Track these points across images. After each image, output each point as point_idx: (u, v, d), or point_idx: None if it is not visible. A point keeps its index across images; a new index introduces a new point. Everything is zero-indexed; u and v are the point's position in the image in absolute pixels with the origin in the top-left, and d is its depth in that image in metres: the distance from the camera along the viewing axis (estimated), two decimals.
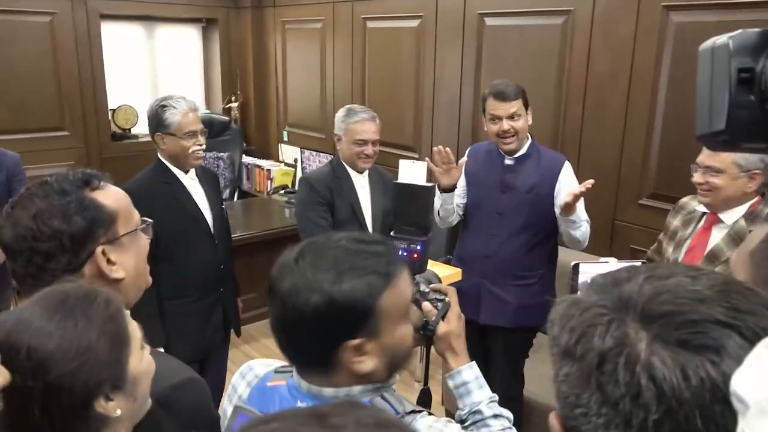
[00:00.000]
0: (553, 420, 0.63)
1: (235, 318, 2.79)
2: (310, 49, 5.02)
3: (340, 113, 2.83)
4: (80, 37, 4.71)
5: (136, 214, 1.20)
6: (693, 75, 2.61)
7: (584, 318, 0.58)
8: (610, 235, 3.22)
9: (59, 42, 4.60)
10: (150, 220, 1.22)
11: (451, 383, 1.24)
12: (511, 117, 2.47)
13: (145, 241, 1.21)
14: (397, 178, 2.04)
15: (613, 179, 3.16)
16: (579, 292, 0.65)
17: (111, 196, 1.16)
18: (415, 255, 1.66)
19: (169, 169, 2.45)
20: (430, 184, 1.80)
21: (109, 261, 1.11)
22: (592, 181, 2.29)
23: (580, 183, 2.61)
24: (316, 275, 0.96)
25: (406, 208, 1.76)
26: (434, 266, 2.91)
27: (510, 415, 1.23)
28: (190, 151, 2.41)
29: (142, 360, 0.95)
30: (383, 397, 1.02)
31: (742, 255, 0.99)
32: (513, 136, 2.49)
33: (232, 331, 2.80)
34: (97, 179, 1.16)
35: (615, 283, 0.60)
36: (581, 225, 2.51)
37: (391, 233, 1.76)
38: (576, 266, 1.44)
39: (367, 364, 0.98)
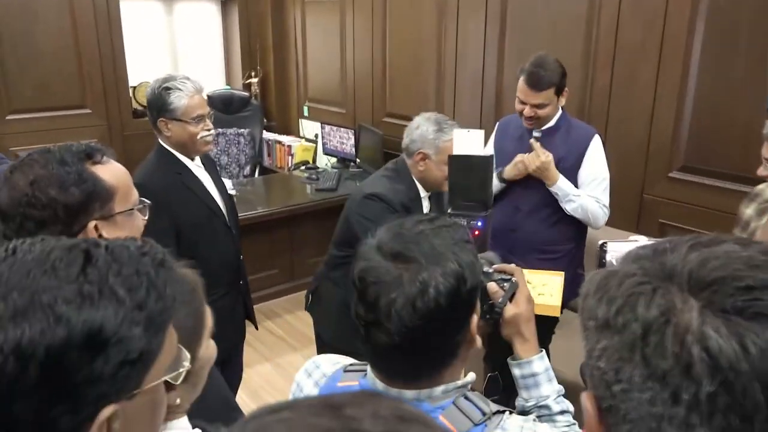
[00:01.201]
0: (586, 401, 0.58)
1: (252, 311, 2.64)
2: (329, 23, 4.94)
3: (429, 127, 2.39)
4: (99, 14, 4.68)
5: (135, 194, 1.18)
6: (728, 44, 2.52)
7: (624, 288, 0.53)
8: (638, 209, 3.13)
9: (79, 18, 4.58)
10: (148, 202, 1.21)
11: (517, 372, 1.17)
12: (536, 105, 2.40)
13: (140, 221, 1.19)
14: None
15: (641, 152, 3.06)
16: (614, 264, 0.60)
17: (112, 171, 1.14)
18: (477, 232, 1.53)
19: (177, 158, 2.21)
20: (488, 154, 1.66)
21: (100, 236, 1.09)
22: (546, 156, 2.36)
23: (607, 157, 2.55)
24: (434, 261, 0.91)
25: (464, 181, 1.59)
26: None
27: (572, 408, 1.17)
28: (198, 137, 2.18)
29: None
30: (467, 397, 0.97)
31: None
32: (535, 120, 2.44)
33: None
34: (100, 153, 1.14)
35: (657, 254, 0.55)
36: (572, 200, 2.44)
37: (449, 210, 1.63)
38: (603, 245, 1.35)
39: (477, 342, 0.98)
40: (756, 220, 1.98)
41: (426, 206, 2.46)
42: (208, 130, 2.21)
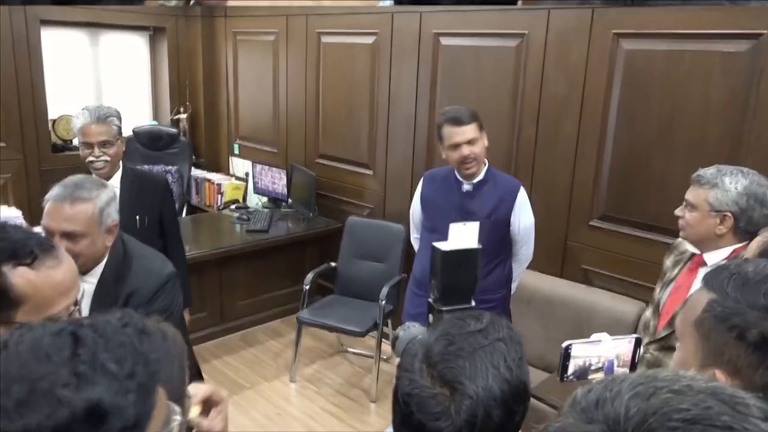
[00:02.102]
0: None
1: None
2: (262, 61, 4.94)
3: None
4: (18, 44, 4.48)
5: (59, 306, 1.11)
6: (642, 101, 2.69)
7: None
8: (562, 255, 3.27)
9: None
10: (77, 308, 1.15)
11: None
12: (469, 142, 2.48)
13: None
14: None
15: (565, 201, 3.22)
16: (563, 412, 0.61)
17: (32, 279, 1.07)
18: None
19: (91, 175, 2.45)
20: (477, 246, 1.62)
21: None
22: None
23: (533, 205, 2.68)
24: (485, 390, 0.89)
25: (455, 276, 1.58)
26: None
27: None
28: (87, 160, 2.53)
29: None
30: None
31: (687, 326, 0.98)
32: (474, 160, 2.52)
33: None
34: (31, 257, 1.07)
35: (598, 405, 0.57)
36: (520, 273, 2.83)
37: (435, 304, 1.60)
38: (568, 347, 1.36)
39: None
40: (671, 271, 2.12)
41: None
42: (97, 157, 2.52)
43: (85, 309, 1.75)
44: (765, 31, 2.49)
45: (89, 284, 1.83)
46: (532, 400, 2.59)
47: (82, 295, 1.21)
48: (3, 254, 1.06)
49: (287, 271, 4.50)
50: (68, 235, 1.74)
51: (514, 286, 2.84)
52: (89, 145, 2.51)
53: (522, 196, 2.63)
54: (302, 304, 3.85)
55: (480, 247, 1.62)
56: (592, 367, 1.34)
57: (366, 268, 3.96)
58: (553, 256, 3.28)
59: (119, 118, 2.63)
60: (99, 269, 1.85)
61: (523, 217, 2.64)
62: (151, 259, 1.96)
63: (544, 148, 3.27)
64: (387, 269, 3.86)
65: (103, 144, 2.50)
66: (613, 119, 2.98)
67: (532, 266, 2.93)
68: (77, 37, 5.16)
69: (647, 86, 2.84)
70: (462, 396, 0.86)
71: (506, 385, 0.88)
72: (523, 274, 2.90)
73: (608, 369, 1.35)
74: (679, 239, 2.18)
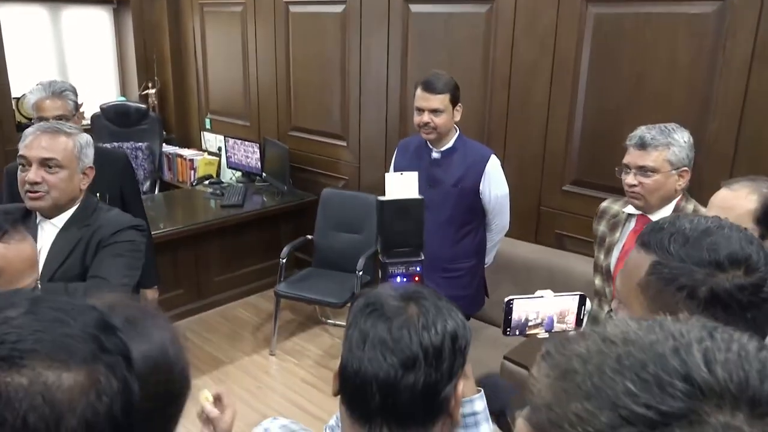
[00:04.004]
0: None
1: None
2: (231, 33, 4.84)
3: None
4: None
5: (29, 279, 1.15)
6: (611, 66, 2.69)
7: None
8: (536, 221, 3.30)
9: None
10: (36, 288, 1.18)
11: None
12: (433, 111, 2.48)
13: None
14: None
15: (537, 167, 3.24)
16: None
17: (5, 253, 1.12)
18: (417, 278, 1.51)
19: None
20: (420, 197, 1.58)
21: None
22: None
23: (504, 173, 2.68)
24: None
25: (398, 228, 1.53)
26: None
27: None
28: None
29: None
30: None
31: (631, 288, 0.97)
32: (433, 130, 2.52)
33: None
34: (0, 231, 1.12)
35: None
36: (496, 243, 2.81)
37: (381, 258, 1.57)
38: (510, 302, 1.39)
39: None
40: (610, 235, 2.13)
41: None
42: None
43: (45, 250, 1.77)
44: None
45: (54, 227, 1.85)
46: (510, 364, 2.63)
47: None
48: None
49: (263, 245, 4.48)
50: (46, 164, 1.77)
51: (490, 257, 2.84)
52: (44, 120, 2.43)
53: (492, 165, 2.61)
54: (279, 278, 3.85)
55: (422, 197, 1.57)
56: (530, 323, 1.37)
57: (342, 239, 3.96)
58: (527, 222, 3.31)
59: (75, 93, 2.57)
60: (67, 215, 1.87)
61: (493, 186, 2.62)
62: (121, 214, 1.98)
63: (516, 114, 3.27)
64: (363, 240, 3.86)
65: (59, 119, 2.42)
66: (583, 84, 2.99)
67: (507, 232, 2.95)
68: (37, 12, 4.99)
69: (616, 50, 2.84)
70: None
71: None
72: (499, 245, 2.91)
73: (548, 325, 1.39)
74: (604, 204, 2.22)
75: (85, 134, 1.90)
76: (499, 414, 1.18)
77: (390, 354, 0.86)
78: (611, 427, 0.46)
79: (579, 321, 1.41)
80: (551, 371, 0.52)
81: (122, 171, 2.66)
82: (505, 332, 1.41)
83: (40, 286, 1.18)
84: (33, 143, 1.77)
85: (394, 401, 0.86)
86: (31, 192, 1.77)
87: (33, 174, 1.75)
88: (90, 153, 1.89)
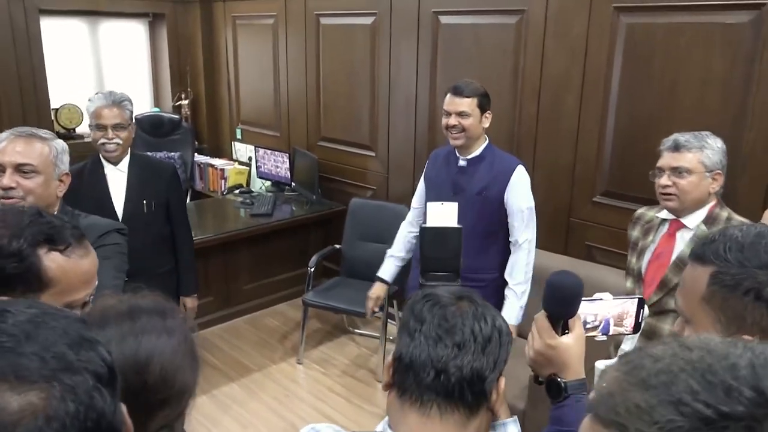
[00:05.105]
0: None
1: None
2: (262, 44, 4.92)
3: None
4: (18, 33, 4.48)
5: (81, 294, 1.15)
6: (643, 75, 2.66)
7: None
8: (565, 232, 3.27)
9: None
10: (88, 303, 1.18)
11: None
12: (460, 114, 2.49)
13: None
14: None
15: (567, 177, 3.21)
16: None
17: (64, 265, 1.12)
18: None
19: (99, 159, 2.61)
20: (458, 226, 1.68)
21: None
22: None
23: (533, 183, 2.66)
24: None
25: (437, 254, 1.65)
26: None
27: None
28: (99, 142, 2.56)
29: None
30: None
31: (695, 304, 0.97)
32: (461, 132, 2.51)
33: None
34: (65, 244, 1.12)
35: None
36: (524, 294, 2.62)
37: (420, 281, 1.66)
38: None
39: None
40: (642, 240, 2.14)
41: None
42: (110, 139, 2.55)
43: None
44: (766, 2, 2.46)
45: None
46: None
47: None
48: (40, 237, 1.09)
49: (292, 254, 4.51)
50: (22, 170, 1.73)
51: (521, 277, 2.60)
52: (102, 128, 2.54)
53: (518, 176, 2.56)
54: (307, 287, 3.87)
55: (460, 227, 1.66)
56: (588, 326, 1.34)
57: (370, 249, 3.97)
58: (557, 234, 3.27)
59: (131, 104, 2.68)
60: None
61: (517, 197, 2.55)
62: (100, 219, 1.93)
63: (546, 125, 3.25)
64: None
65: (116, 127, 2.54)
66: (614, 94, 2.96)
67: (535, 243, 2.91)
68: (76, 25, 5.15)
69: (648, 60, 2.81)
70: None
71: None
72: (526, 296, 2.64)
73: (604, 328, 1.35)
74: (640, 210, 2.23)
75: (61, 140, 1.87)
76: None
77: (445, 335, 0.94)
78: (666, 419, 0.47)
79: (637, 325, 1.37)
80: (622, 366, 0.55)
81: (169, 181, 2.72)
82: (563, 333, 1.38)
83: (92, 301, 1.19)
84: (7, 148, 1.73)
85: (445, 379, 0.92)
86: (5, 198, 1.73)
87: (7, 179, 1.71)
88: (66, 159, 1.85)
